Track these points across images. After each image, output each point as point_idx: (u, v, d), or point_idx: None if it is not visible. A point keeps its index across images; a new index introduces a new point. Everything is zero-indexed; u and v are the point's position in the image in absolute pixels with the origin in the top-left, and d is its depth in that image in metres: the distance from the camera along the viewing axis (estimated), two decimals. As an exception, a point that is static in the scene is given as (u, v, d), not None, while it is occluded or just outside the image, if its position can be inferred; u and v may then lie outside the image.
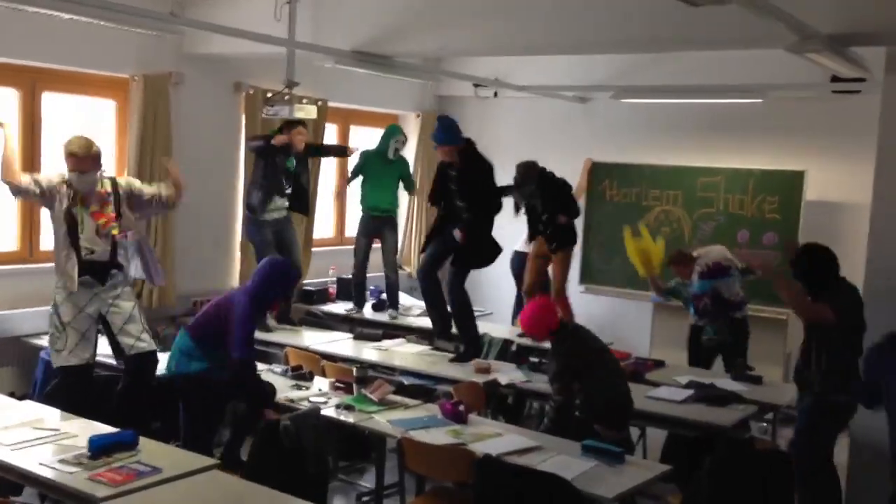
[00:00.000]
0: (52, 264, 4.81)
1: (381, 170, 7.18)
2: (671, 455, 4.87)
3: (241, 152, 7.00)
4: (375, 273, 7.36)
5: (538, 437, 4.13)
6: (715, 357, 6.23)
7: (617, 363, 4.77)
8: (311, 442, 4.02)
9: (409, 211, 8.69)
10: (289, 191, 6.52)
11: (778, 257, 6.79)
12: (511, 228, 6.89)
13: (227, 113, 6.98)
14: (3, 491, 4.07)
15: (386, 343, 6.11)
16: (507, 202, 6.49)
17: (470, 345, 5.74)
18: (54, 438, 3.69)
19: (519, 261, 7.25)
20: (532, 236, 6.72)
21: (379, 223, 7.21)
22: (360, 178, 7.25)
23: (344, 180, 7.78)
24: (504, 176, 6.46)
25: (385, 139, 7.19)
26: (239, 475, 3.72)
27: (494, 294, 8.04)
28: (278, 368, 5.21)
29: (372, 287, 7.38)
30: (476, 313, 6.16)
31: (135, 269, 4.95)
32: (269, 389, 4.66)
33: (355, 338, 6.27)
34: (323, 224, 8.01)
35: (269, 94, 6.59)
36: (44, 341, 5.45)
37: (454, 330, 6.02)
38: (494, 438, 4.04)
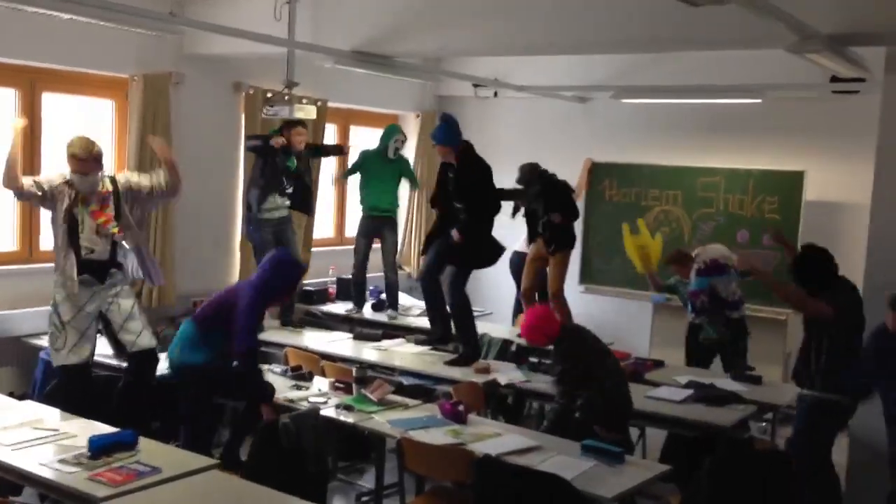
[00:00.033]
0: (51, 264, 4.81)
1: (380, 170, 7.18)
2: (671, 455, 4.87)
3: (240, 152, 7.00)
4: (376, 273, 7.36)
5: (538, 437, 4.13)
6: (713, 357, 6.22)
7: (617, 365, 4.76)
8: (311, 442, 4.03)
9: (409, 211, 8.69)
10: (290, 190, 6.52)
11: (777, 257, 6.80)
12: (511, 228, 6.89)
13: (227, 113, 6.97)
14: (2, 491, 4.07)
15: (385, 343, 6.11)
16: (506, 204, 6.50)
17: (468, 347, 5.73)
18: (54, 438, 3.69)
19: (519, 261, 7.25)
20: (531, 238, 6.72)
21: (378, 223, 7.21)
22: (359, 178, 7.25)
23: (343, 169, 7.75)
24: (503, 176, 6.47)
25: (384, 139, 7.19)
26: (238, 475, 3.72)
27: (494, 294, 8.04)
28: (278, 368, 5.21)
29: (371, 287, 7.39)
30: (476, 313, 6.16)
31: (132, 268, 4.95)
32: (270, 389, 4.67)
33: (355, 338, 6.27)
34: (323, 224, 8.01)
35: (269, 94, 6.61)
36: (43, 341, 5.45)
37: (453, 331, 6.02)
38: (494, 438, 4.04)
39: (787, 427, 5.29)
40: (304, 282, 7.07)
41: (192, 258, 6.64)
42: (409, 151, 8.75)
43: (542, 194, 6.46)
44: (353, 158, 7.40)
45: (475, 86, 8.12)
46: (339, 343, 6.14)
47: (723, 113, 7.65)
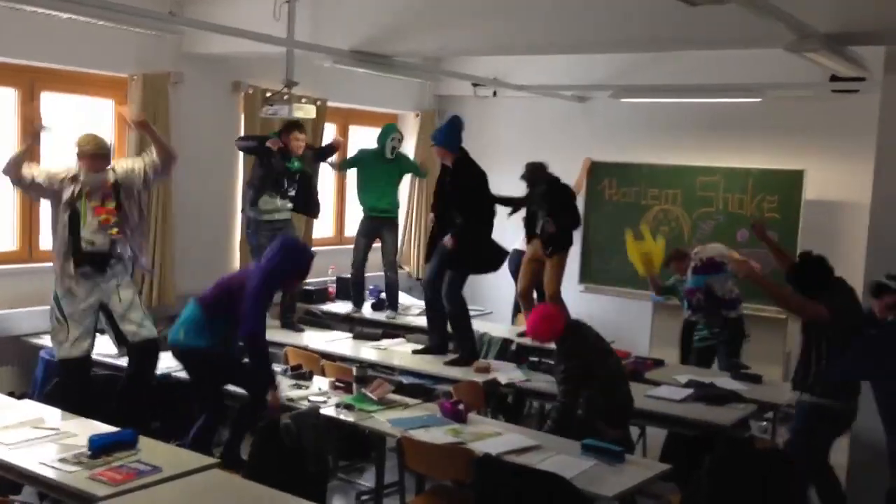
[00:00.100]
0: (51, 264, 4.81)
1: (378, 170, 7.18)
2: (671, 454, 4.88)
3: (240, 152, 7.00)
4: (377, 272, 7.36)
5: (538, 437, 4.13)
6: (713, 356, 6.22)
7: (619, 363, 4.77)
8: (311, 441, 4.03)
9: (409, 210, 8.69)
10: (292, 193, 6.52)
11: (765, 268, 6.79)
12: (512, 228, 6.89)
13: (227, 112, 6.97)
14: (2, 490, 4.07)
15: (385, 342, 6.11)
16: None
17: (465, 350, 5.72)
18: (54, 438, 3.69)
19: (519, 259, 7.23)
20: (528, 238, 6.72)
21: (378, 224, 7.21)
22: (357, 178, 7.25)
23: (343, 155, 7.74)
24: (502, 176, 6.47)
25: (381, 139, 7.19)
26: (239, 474, 3.72)
27: (494, 293, 8.04)
28: (278, 368, 5.19)
29: (371, 287, 7.39)
30: (476, 313, 6.16)
31: (128, 257, 4.91)
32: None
33: (355, 337, 6.28)
34: (323, 224, 8.01)
35: (269, 94, 6.60)
36: (43, 340, 5.47)
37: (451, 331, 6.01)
38: (494, 437, 4.05)
39: (787, 426, 5.29)
40: (304, 281, 7.07)
41: (191, 257, 6.64)
42: (409, 151, 8.75)
43: (546, 196, 6.46)
44: (350, 153, 7.39)
45: (474, 85, 8.13)
46: (338, 342, 6.14)
47: (722, 112, 7.65)
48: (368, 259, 7.22)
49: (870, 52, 5.13)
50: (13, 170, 4.62)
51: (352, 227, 7.86)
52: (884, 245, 4.77)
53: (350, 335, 6.36)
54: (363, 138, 8.18)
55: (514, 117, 8.78)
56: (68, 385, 4.72)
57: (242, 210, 6.49)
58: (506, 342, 6.23)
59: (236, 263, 7.07)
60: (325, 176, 7.72)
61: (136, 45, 6.05)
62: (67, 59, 5.84)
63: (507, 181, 6.99)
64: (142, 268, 5.15)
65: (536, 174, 6.57)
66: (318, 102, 7.07)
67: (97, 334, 4.91)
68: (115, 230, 4.69)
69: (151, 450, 3.57)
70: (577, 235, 6.83)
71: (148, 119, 6.00)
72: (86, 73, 6.03)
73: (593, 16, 5.10)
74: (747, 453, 4.18)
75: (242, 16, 5.60)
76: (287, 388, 4.80)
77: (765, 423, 5.80)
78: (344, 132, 8.34)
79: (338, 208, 8.37)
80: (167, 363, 5.18)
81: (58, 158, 4.84)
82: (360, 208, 7.29)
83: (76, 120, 6.05)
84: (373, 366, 5.53)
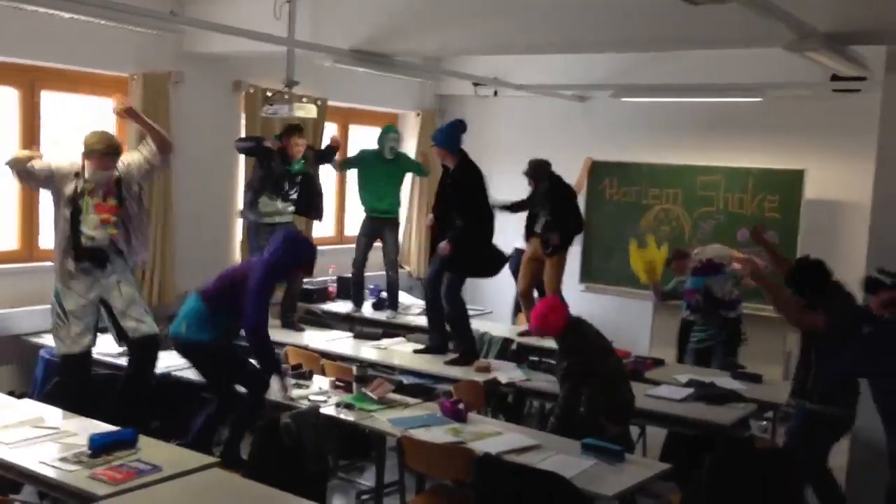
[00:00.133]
0: (51, 263, 4.81)
1: (378, 171, 7.18)
2: (671, 453, 4.88)
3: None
4: (377, 272, 7.37)
5: (538, 436, 4.13)
6: (709, 358, 6.21)
7: (619, 361, 4.78)
8: (311, 440, 4.03)
9: (410, 210, 8.69)
10: (294, 195, 6.52)
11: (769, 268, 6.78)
12: (512, 227, 6.89)
13: (227, 112, 6.97)
14: (2, 489, 4.07)
15: (385, 342, 6.11)
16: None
17: (465, 350, 5.72)
18: (54, 437, 3.69)
19: (519, 258, 7.25)
20: (527, 237, 6.73)
21: (379, 224, 7.22)
22: (357, 178, 7.26)
23: (343, 154, 7.75)
24: (502, 175, 6.48)
25: (380, 140, 7.21)
26: (239, 473, 3.72)
27: (494, 293, 8.04)
28: (278, 367, 5.21)
29: (372, 286, 7.39)
30: (476, 312, 6.15)
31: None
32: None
33: (355, 336, 6.28)
34: (323, 223, 7.99)
35: (269, 93, 6.61)
36: (43, 340, 5.47)
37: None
38: (494, 437, 4.05)
39: (786, 425, 5.29)
40: (304, 280, 7.07)
41: (192, 257, 6.64)
42: (410, 150, 8.75)
43: (548, 195, 6.46)
44: (351, 152, 7.40)
45: (475, 85, 8.12)
46: (339, 342, 6.14)
47: (723, 111, 7.65)
48: (369, 259, 7.23)
49: (870, 52, 5.12)
50: (17, 165, 4.64)
51: (352, 227, 7.86)
52: (884, 245, 4.76)
53: (350, 334, 6.36)
54: (364, 138, 8.18)
55: (514, 117, 8.78)
56: (69, 382, 4.72)
57: (241, 213, 6.48)
58: (506, 342, 6.23)
59: (236, 262, 7.06)
60: (326, 176, 7.71)
61: (136, 45, 6.05)
62: (68, 58, 5.85)
63: (507, 181, 7.01)
64: (142, 262, 5.15)
65: (540, 171, 6.58)
66: (319, 102, 7.07)
67: (99, 332, 4.91)
68: (114, 229, 4.69)
69: (151, 449, 3.57)
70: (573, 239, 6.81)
71: (148, 118, 6.06)
72: (86, 72, 6.03)
73: (593, 15, 5.10)
74: (747, 453, 4.18)
75: (243, 15, 5.60)
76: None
77: (765, 422, 5.80)
78: (344, 131, 8.33)
79: (338, 208, 8.37)
80: (167, 362, 5.19)
81: (61, 154, 4.83)
82: (362, 208, 7.29)
83: (76, 119, 6.06)
84: (373, 365, 5.53)
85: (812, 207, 7.25)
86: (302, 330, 6.51)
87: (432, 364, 5.59)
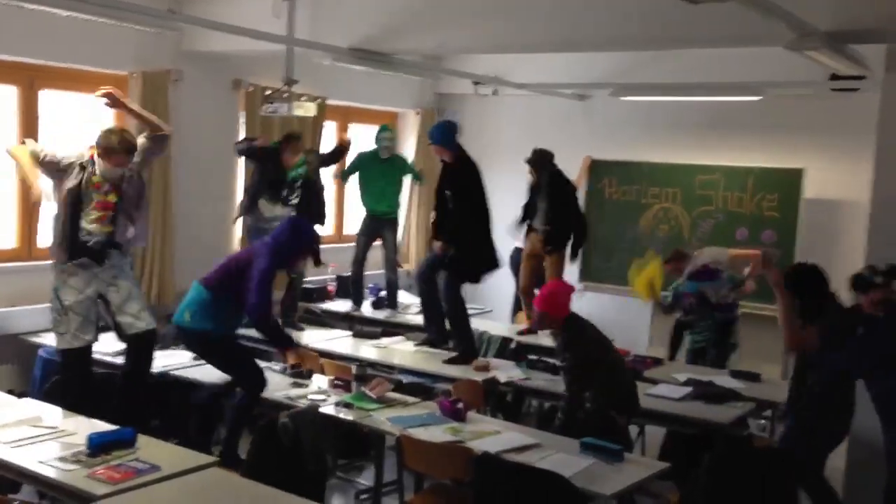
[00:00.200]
0: (50, 262, 4.80)
1: (376, 172, 7.20)
2: (669, 452, 4.88)
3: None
4: (377, 271, 7.36)
5: (537, 435, 4.13)
6: (703, 360, 6.21)
7: (617, 354, 4.80)
8: (310, 440, 4.03)
9: (409, 210, 8.69)
10: (294, 200, 6.52)
11: (779, 255, 6.79)
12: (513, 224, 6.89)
13: (227, 110, 6.97)
14: (1, 489, 4.07)
15: (385, 341, 6.11)
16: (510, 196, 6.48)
17: (464, 349, 5.72)
18: (53, 436, 3.69)
19: (519, 257, 7.25)
20: (525, 234, 6.73)
21: (379, 224, 7.23)
22: (357, 179, 7.26)
23: (341, 169, 7.77)
24: (502, 175, 6.47)
25: (375, 140, 7.22)
26: (238, 473, 3.72)
27: (494, 292, 8.02)
28: (277, 366, 5.20)
29: (371, 285, 7.39)
30: (475, 311, 6.15)
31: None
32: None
33: (354, 336, 6.27)
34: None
35: (268, 92, 6.60)
36: (42, 339, 5.48)
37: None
38: (493, 436, 4.04)
39: (784, 423, 5.29)
40: (303, 280, 7.07)
41: (191, 256, 6.63)
42: (409, 149, 8.76)
43: (548, 187, 6.46)
44: (351, 156, 7.40)
45: (475, 83, 8.11)
46: (338, 341, 6.14)
47: (722, 110, 7.65)
48: (368, 258, 7.23)
49: (870, 51, 5.12)
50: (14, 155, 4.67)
51: (351, 226, 7.86)
52: (883, 243, 4.76)
53: (349, 333, 6.36)
54: (363, 137, 8.17)
55: (514, 116, 8.78)
56: (68, 378, 4.71)
57: (235, 218, 6.52)
58: (505, 340, 6.24)
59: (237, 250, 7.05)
60: (326, 176, 7.70)
61: (135, 43, 6.05)
62: (67, 56, 5.84)
63: (506, 180, 7.02)
64: (141, 246, 5.15)
65: (543, 160, 6.57)
66: (318, 100, 7.06)
67: (101, 331, 4.91)
68: (109, 226, 4.68)
69: (150, 448, 3.56)
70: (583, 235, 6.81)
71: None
72: (86, 70, 6.03)
73: (593, 15, 5.10)
74: (746, 451, 4.19)
75: (242, 13, 5.60)
76: (286, 387, 4.80)
77: (763, 421, 5.80)
78: (344, 130, 8.32)
79: (337, 207, 8.36)
80: (166, 361, 5.20)
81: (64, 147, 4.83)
82: (363, 208, 7.30)
83: (76, 118, 6.06)
84: (372, 364, 5.53)
85: (811, 206, 7.25)
86: (302, 329, 6.51)
87: (431, 363, 5.59)
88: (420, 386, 5.31)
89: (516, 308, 7.44)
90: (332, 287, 7.56)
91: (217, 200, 6.97)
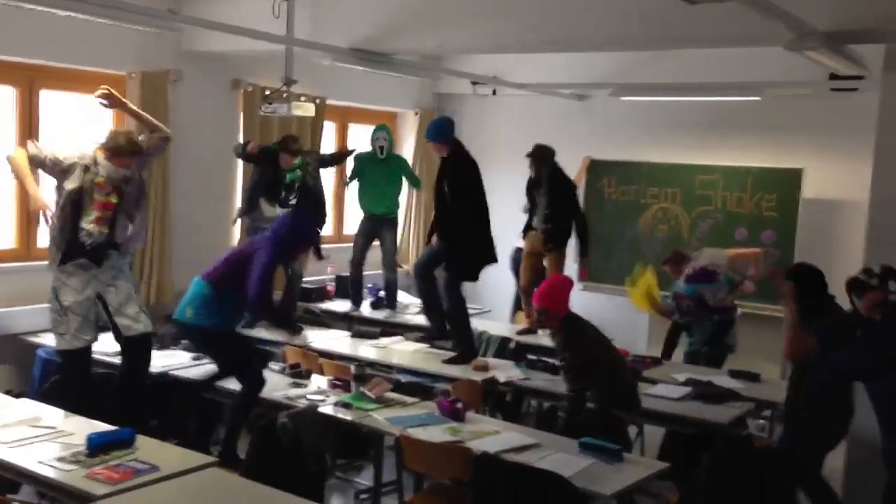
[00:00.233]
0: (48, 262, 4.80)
1: (375, 172, 7.20)
2: (669, 452, 4.87)
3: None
4: (376, 271, 7.36)
5: (536, 435, 4.13)
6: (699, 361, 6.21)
7: (617, 353, 4.81)
8: (309, 440, 4.03)
9: (408, 210, 8.69)
10: (293, 201, 6.52)
11: (778, 255, 6.80)
12: (512, 226, 6.88)
13: (226, 110, 6.97)
14: (1, 489, 4.07)
15: (384, 341, 6.10)
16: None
17: (463, 349, 5.71)
18: (52, 436, 3.68)
19: (519, 257, 7.25)
20: (524, 232, 6.73)
21: (377, 224, 7.23)
22: (358, 180, 7.27)
23: (343, 177, 7.79)
24: (501, 175, 6.47)
25: (370, 141, 7.22)
26: (237, 473, 3.72)
27: (493, 292, 8.03)
28: (276, 366, 5.21)
29: (370, 285, 7.39)
30: (475, 311, 6.14)
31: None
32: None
33: (353, 336, 6.27)
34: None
35: (268, 92, 6.60)
36: (41, 339, 5.48)
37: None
38: (492, 436, 4.05)
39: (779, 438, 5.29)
40: (303, 279, 7.07)
41: (190, 256, 6.63)
42: (408, 150, 8.76)
43: (548, 182, 6.45)
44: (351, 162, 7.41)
45: (474, 83, 8.12)
46: (337, 341, 6.13)
47: (721, 110, 7.65)
48: (367, 258, 7.22)
49: (869, 51, 5.12)
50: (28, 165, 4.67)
51: (350, 226, 7.86)
52: (882, 243, 4.76)
53: (348, 333, 6.36)
54: (363, 137, 8.17)
55: (513, 116, 8.78)
56: (68, 379, 4.72)
57: (235, 219, 6.53)
58: (504, 340, 6.24)
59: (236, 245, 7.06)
60: (326, 176, 7.70)
61: (135, 43, 6.04)
62: (66, 56, 5.84)
63: (505, 180, 7.02)
64: (140, 245, 5.16)
65: (544, 155, 6.57)
66: (318, 100, 7.07)
67: (101, 330, 4.91)
68: (106, 227, 4.68)
69: (149, 448, 3.56)
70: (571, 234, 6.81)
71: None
72: (85, 70, 6.02)
73: (592, 14, 5.10)
74: (745, 451, 4.18)
75: (242, 13, 5.59)
76: (285, 387, 4.81)
77: (762, 421, 5.80)
78: (343, 130, 8.34)
79: (336, 207, 8.36)
80: (165, 361, 5.20)
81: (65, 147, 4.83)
82: (361, 211, 7.31)
83: (75, 118, 6.05)
84: (371, 364, 5.52)
85: (810, 206, 7.25)
86: (301, 329, 6.50)
87: (431, 363, 5.59)
88: (419, 386, 5.31)
89: (516, 308, 7.44)
90: (331, 287, 7.56)
91: (216, 200, 6.97)
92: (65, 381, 4.73)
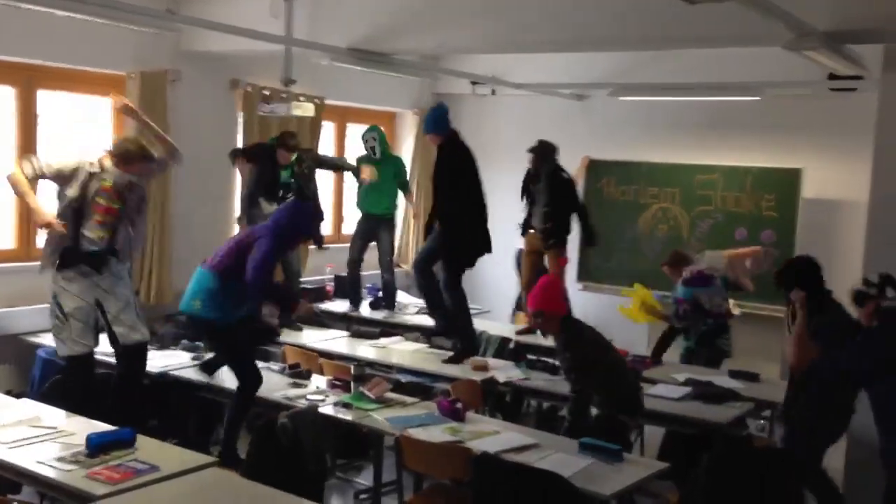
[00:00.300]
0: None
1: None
2: (669, 452, 4.87)
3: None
4: (376, 271, 7.36)
5: (536, 435, 4.12)
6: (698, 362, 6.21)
7: (617, 354, 4.80)
8: (309, 440, 4.03)
9: (406, 210, 8.68)
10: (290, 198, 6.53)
11: (776, 254, 6.79)
12: (512, 226, 6.87)
13: (224, 110, 6.97)
14: (1, 489, 4.06)
15: (383, 341, 6.10)
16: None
17: (464, 344, 5.71)
18: (52, 436, 3.68)
19: (521, 256, 7.24)
20: (523, 231, 6.72)
21: (374, 224, 7.23)
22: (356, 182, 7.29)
23: (341, 184, 7.80)
24: (501, 174, 6.46)
25: (362, 142, 7.23)
26: (237, 473, 3.72)
27: (493, 292, 8.04)
28: (276, 366, 5.21)
29: (369, 285, 7.39)
30: (474, 311, 6.13)
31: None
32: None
33: (353, 335, 6.27)
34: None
35: (266, 92, 6.61)
36: (41, 339, 5.48)
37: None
38: (492, 436, 4.04)
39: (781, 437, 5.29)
40: (302, 279, 7.07)
41: (189, 256, 6.61)
42: (407, 150, 8.76)
43: (548, 179, 6.45)
44: (350, 153, 7.42)
45: (473, 83, 8.12)
46: (336, 341, 6.13)
47: (721, 110, 7.65)
48: (365, 259, 7.22)
49: (868, 51, 5.12)
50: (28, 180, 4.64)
51: (349, 226, 7.85)
52: (882, 243, 4.76)
53: (348, 333, 6.36)
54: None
55: (512, 116, 8.78)
56: (71, 382, 4.71)
57: (238, 219, 6.54)
58: (504, 340, 6.24)
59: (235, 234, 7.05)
60: (325, 177, 7.71)
61: (133, 43, 6.04)
62: (65, 56, 5.84)
63: (505, 179, 7.01)
64: (139, 253, 5.16)
65: (546, 150, 6.56)
66: (316, 100, 7.07)
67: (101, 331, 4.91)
68: (107, 232, 4.68)
69: (149, 448, 3.56)
70: (575, 234, 6.80)
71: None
72: (83, 70, 6.02)
73: (592, 15, 5.10)
74: (745, 451, 4.19)
75: (240, 13, 5.60)
76: (285, 387, 4.81)
77: (762, 421, 5.80)
78: (341, 130, 8.33)
79: (336, 207, 8.36)
80: (165, 361, 5.20)
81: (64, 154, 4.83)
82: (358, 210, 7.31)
83: (73, 118, 6.05)
84: (371, 364, 5.52)
85: (809, 206, 7.25)
86: (300, 329, 6.50)
87: (430, 363, 5.59)
88: (419, 386, 5.31)
89: (517, 308, 7.44)
90: (330, 287, 7.56)
91: (215, 200, 6.97)
92: (67, 386, 4.72)
